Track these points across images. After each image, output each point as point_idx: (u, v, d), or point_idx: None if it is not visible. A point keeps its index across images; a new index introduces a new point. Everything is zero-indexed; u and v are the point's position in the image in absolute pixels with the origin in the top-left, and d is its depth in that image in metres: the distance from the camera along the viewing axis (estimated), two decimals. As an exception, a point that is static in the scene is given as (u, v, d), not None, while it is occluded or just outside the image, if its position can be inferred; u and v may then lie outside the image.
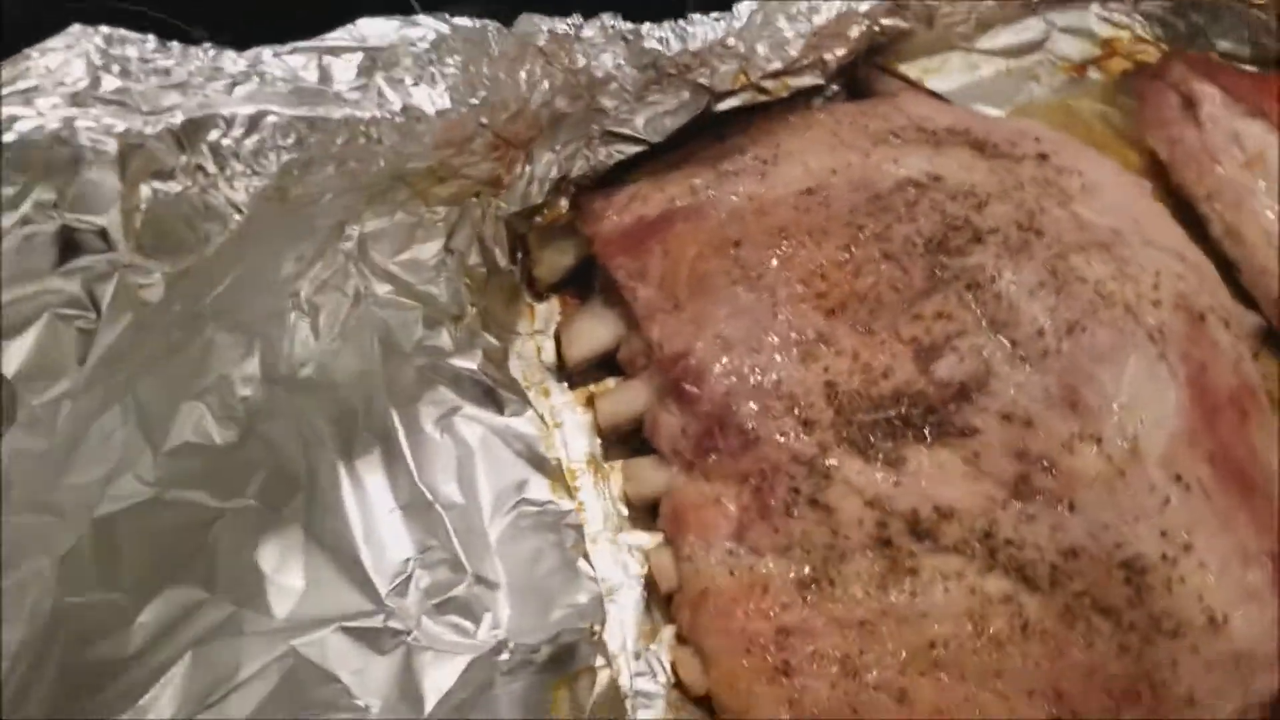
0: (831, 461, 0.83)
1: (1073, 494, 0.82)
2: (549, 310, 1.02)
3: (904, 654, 0.78)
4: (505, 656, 0.76)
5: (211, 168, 0.68)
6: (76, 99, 0.64)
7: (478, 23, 0.79)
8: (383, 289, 0.88)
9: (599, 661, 0.78)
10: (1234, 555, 0.81)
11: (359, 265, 0.87)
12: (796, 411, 0.85)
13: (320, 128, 0.71)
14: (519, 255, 1.01)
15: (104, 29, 0.66)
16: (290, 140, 0.70)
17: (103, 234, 0.64)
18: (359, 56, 0.74)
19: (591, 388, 0.98)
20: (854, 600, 0.80)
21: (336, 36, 0.74)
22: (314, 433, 0.84)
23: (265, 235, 0.75)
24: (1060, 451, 0.82)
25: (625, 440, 0.95)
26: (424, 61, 0.76)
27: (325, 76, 0.72)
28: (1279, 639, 0.80)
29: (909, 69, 1.17)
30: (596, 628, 0.78)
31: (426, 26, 0.77)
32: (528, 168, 0.94)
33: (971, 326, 0.87)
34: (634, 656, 0.83)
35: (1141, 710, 0.78)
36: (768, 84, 1.04)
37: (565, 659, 0.77)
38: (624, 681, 0.82)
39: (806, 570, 0.81)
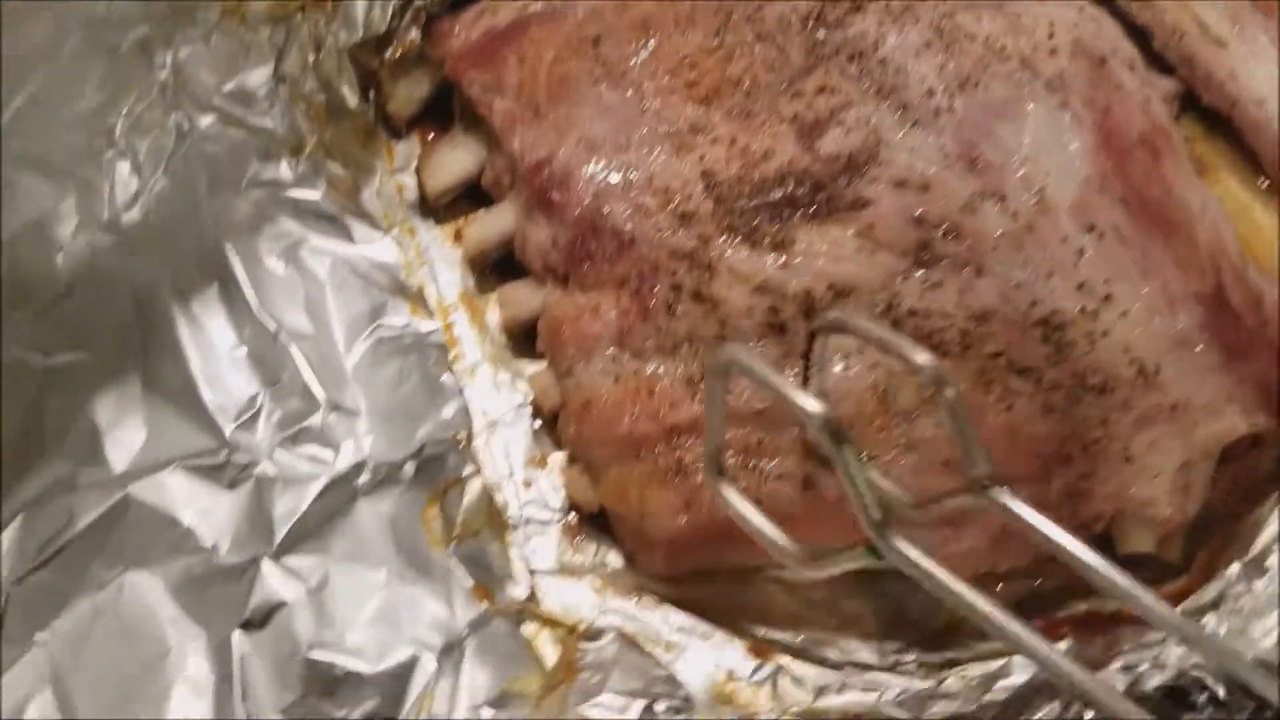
0: (714, 252, 0.76)
1: (979, 256, 0.75)
2: (408, 148, 0.93)
3: (805, 439, 0.71)
4: (365, 476, 0.69)
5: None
6: None
7: None
8: (207, 121, 0.79)
9: (468, 470, 0.70)
10: (1159, 301, 0.74)
11: (178, 96, 0.79)
12: (672, 205, 0.78)
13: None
14: (371, 93, 0.93)
15: None
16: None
17: None
18: None
19: (460, 221, 0.90)
20: (748, 390, 0.73)
21: None
22: (146, 278, 0.75)
23: (52, 46, 0.67)
24: (962, 213, 0.75)
25: (499, 271, 0.87)
26: None
27: None
28: (1216, 387, 0.74)
29: None
30: (461, 435, 0.70)
31: None
32: (358, -10, 0.86)
33: (856, 97, 0.80)
34: (524, 485, 0.76)
35: (1074, 472, 0.71)
36: None
37: (432, 472, 0.70)
38: (514, 512, 0.75)
39: (695, 367, 0.74)
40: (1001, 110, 0.78)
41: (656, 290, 0.76)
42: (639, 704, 0.66)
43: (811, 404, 0.52)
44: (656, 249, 0.77)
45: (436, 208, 0.89)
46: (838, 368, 0.72)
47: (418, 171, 0.91)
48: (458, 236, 0.89)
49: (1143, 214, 0.76)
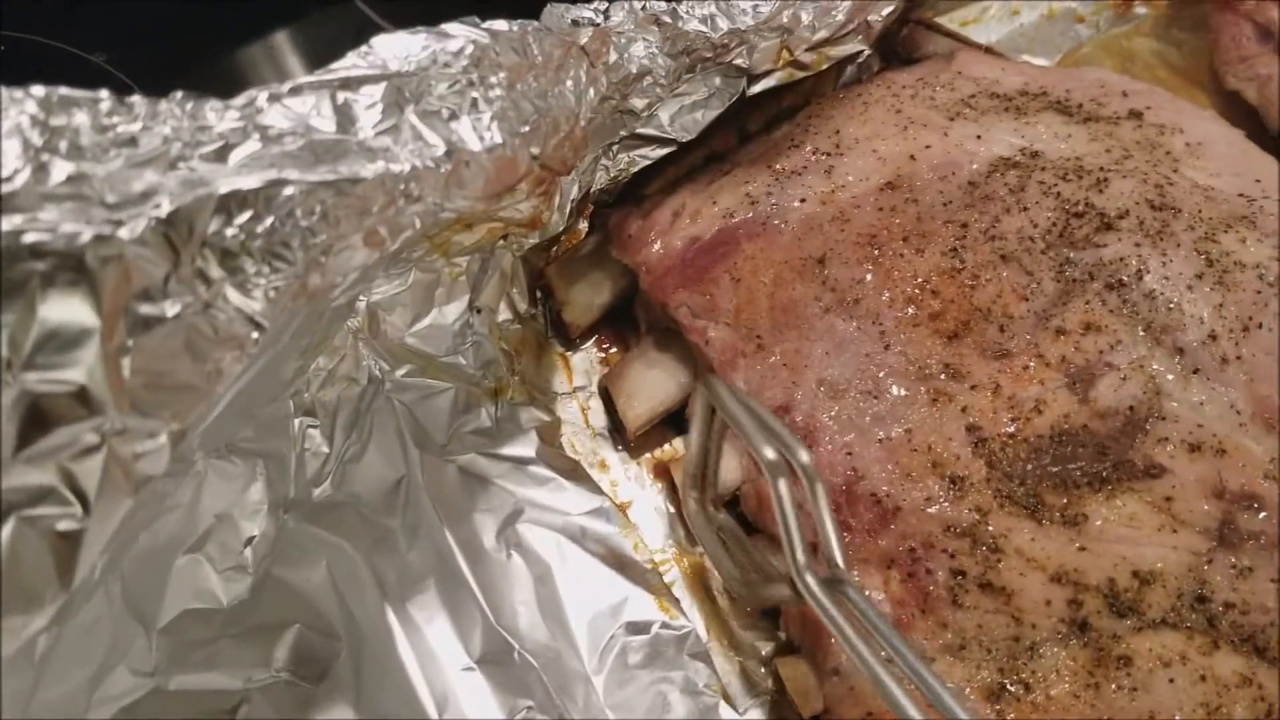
0: (996, 529, 0.67)
1: (1288, 534, 0.67)
2: (586, 361, 0.83)
3: (1136, 770, 0.63)
4: None
5: (215, 272, 0.47)
6: (16, 200, 0.43)
7: (514, 25, 0.60)
8: (401, 370, 0.69)
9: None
10: None
11: (371, 345, 0.68)
12: (939, 469, 0.69)
13: (348, 193, 0.51)
14: (538, 297, 0.83)
15: (35, 89, 0.46)
16: (315, 217, 0.50)
17: (80, 394, 0.43)
18: (381, 88, 0.54)
19: (656, 453, 0.80)
20: (1063, 708, 0.64)
21: (346, 64, 0.55)
22: (347, 570, 0.65)
23: (271, 340, 0.55)
24: (1264, 483, 0.68)
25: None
26: (463, 85, 0.57)
27: (346, 120, 0.53)
28: None
29: (947, 24, 1.01)
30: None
31: (460, 37, 0.57)
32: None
33: (1125, 336, 0.72)
34: (779, 802, 0.67)
35: None
36: (806, 58, 0.87)
37: (737, 847, 0.60)
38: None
39: (992, 674, 0.65)
40: (1288, 357, 0.71)
41: (935, 574, 0.67)
42: None
43: (768, 451, 0.58)
44: (928, 521, 0.68)
45: (631, 438, 0.79)
46: (1162, 679, 0.64)
47: (603, 392, 0.81)
48: (656, 470, 0.79)
49: None
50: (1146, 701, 0.64)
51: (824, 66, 0.88)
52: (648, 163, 0.82)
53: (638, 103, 0.76)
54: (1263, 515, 0.67)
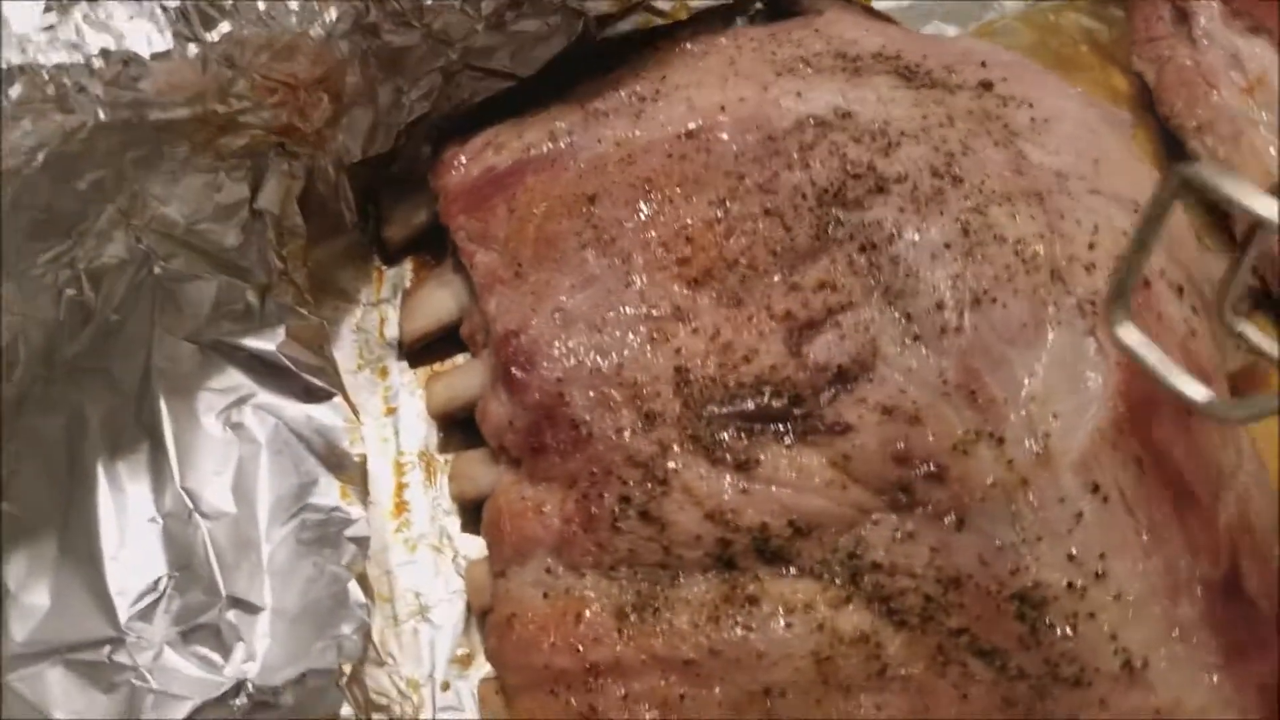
0: (671, 464, 0.69)
1: (963, 508, 0.66)
2: (399, 275, 0.88)
3: (733, 702, 0.65)
4: (242, 700, 0.65)
5: None
6: None
7: (225, -61, 0.66)
8: (172, 258, 0.76)
9: (345, 711, 0.65)
10: (1160, 584, 0.65)
11: (144, 234, 0.75)
12: (638, 403, 0.71)
13: (-12, 79, 0.58)
14: (367, 211, 0.88)
15: None
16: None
17: None
18: (54, -9, 0.61)
19: (435, 366, 0.85)
20: (679, 635, 0.66)
21: (26, -34, 0.62)
22: (80, 429, 0.73)
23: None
24: (952, 455, 0.67)
25: (469, 431, 0.81)
26: (142, -8, 0.63)
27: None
28: (1213, 689, 0.65)
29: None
30: (346, 669, 0.65)
31: (149, -55, 0.64)
32: (360, 110, 0.81)
33: (861, 298, 0.72)
34: (442, 687, 0.72)
35: (1030, 781, 0.63)
36: (662, 5, 0.89)
37: (310, 706, 0.65)
38: (425, 716, 0.71)
39: (631, 595, 0.68)
40: (1017, 335, 0.70)
41: (605, 499, 0.70)
42: None
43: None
44: (612, 450, 0.71)
45: (410, 350, 0.84)
46: (780, 623, 0.65)
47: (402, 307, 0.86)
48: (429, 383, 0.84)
49: (1157, 478, 0.67)
50: (758, 641, 0.65)
51: (683, 16, 0.90)
52: (489, 94, 0.86)
53: (451, 31, 0.81)
54: (941, 485, 0.67)
